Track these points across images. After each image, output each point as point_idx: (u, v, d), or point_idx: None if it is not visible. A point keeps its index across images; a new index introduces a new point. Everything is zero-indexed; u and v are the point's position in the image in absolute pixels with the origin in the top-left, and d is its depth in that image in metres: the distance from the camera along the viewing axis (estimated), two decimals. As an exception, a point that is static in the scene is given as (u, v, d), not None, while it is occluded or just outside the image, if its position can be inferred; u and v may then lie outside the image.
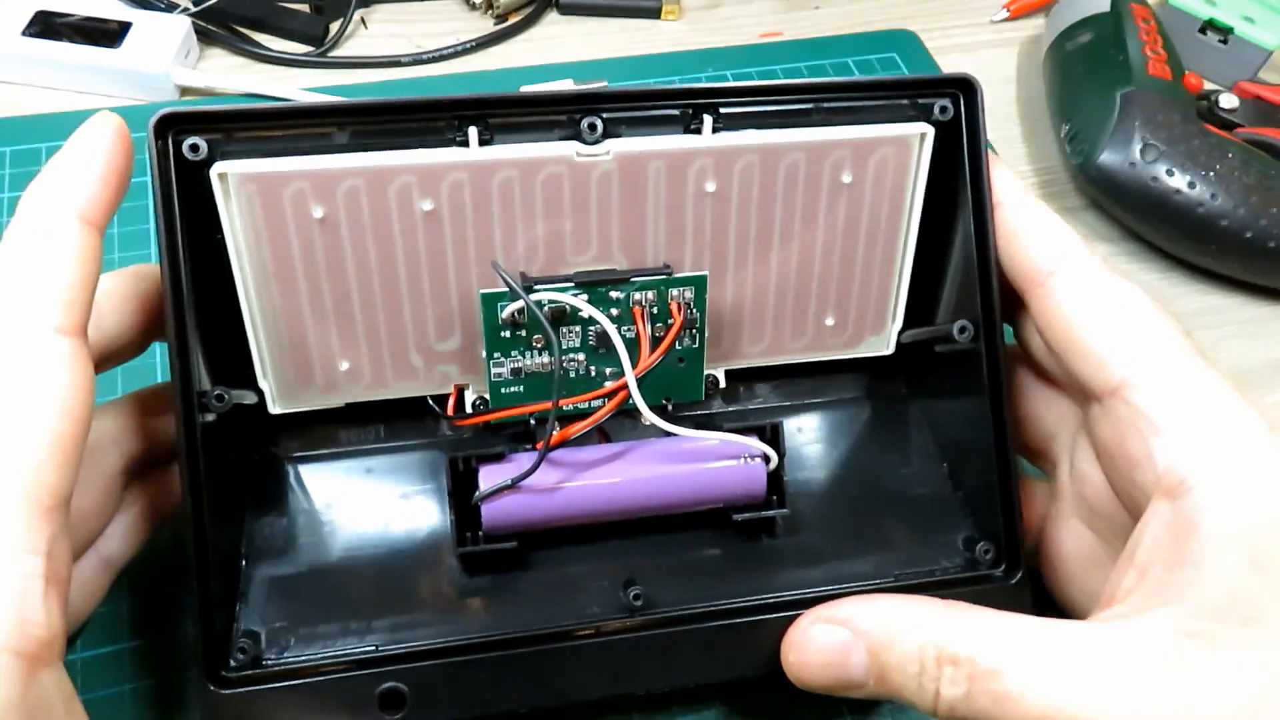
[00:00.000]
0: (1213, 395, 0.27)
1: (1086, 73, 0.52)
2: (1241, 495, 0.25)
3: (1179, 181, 0.47)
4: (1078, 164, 0.50)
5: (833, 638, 0.28)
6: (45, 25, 0.51)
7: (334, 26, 0.55)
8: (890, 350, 0.36)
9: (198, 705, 0.29)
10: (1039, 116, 0.57)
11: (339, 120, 0.30)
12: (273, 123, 0.29)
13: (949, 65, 0.58)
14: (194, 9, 0.53)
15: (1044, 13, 0.61)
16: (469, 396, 0.34)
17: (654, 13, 0.59)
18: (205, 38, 0.54)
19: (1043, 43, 0.57)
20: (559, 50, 0.57)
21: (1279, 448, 0.26)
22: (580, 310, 0.31)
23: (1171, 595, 0.25)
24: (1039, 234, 0.32)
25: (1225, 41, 0.57)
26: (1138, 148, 0.48)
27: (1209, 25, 0.57)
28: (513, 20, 0.58)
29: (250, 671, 0.29)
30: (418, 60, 0.55)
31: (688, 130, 0.31)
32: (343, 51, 0.55)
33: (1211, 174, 0.47)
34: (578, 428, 0.32)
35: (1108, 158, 0.48)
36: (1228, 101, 0.51)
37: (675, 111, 0.31)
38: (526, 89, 0.48)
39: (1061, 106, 0.53)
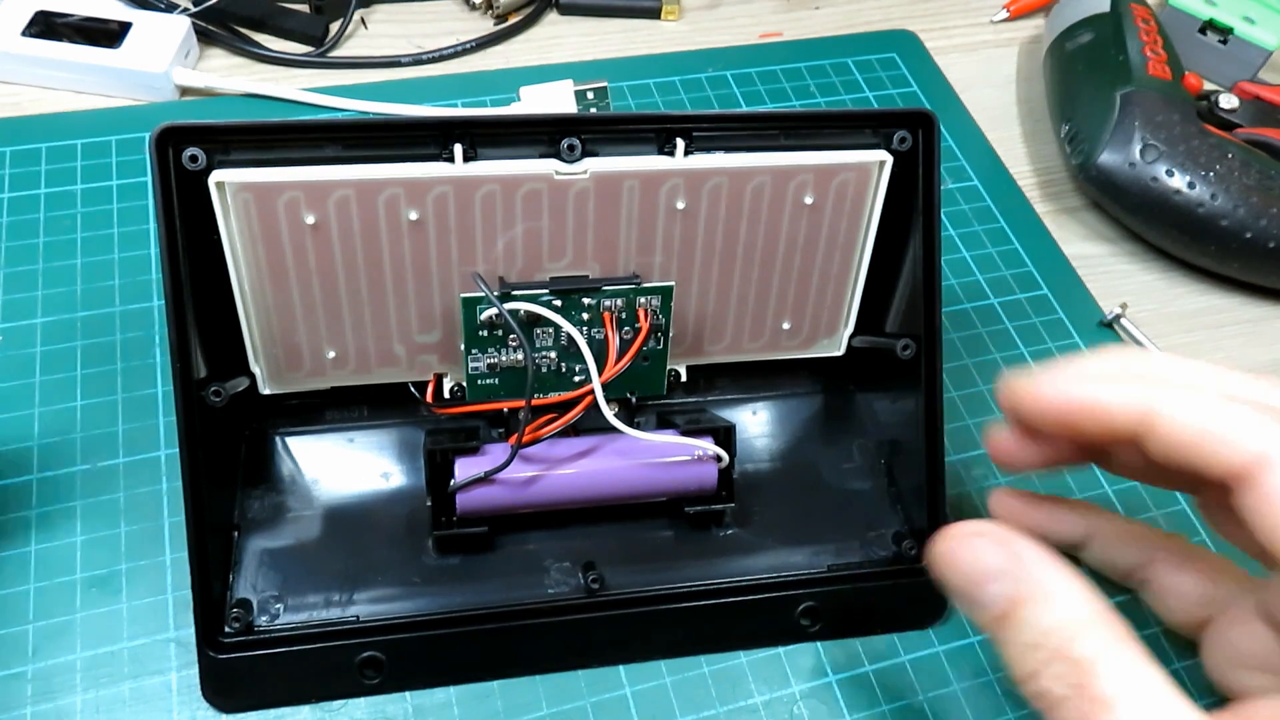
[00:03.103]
0: None
1: (1086, 73, 0.52)
2: None
3: (1179, 181, 0.47)
4: (1078, 164, 0.50)
5: (992, 558, 0.27)
6: (45, 25, 0.51)
7: (334, 26, 0.55)
8: (841, 352, 0.39)
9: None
10: (1039, 116, 0.57)
11: (331, 135, 0.31)
12: (268, 137, 0.31)
13: (949, 65, 0.58)
14: (194, 9, 0.53)
15: (1044, 13, 0.61)
16: (447, 384, 0.36)
17: (654, 13, 0.59)
18: (205, 38, 0.54)
19: (1043, 43, 0.57)
20: (559, 50, 0.57)
21: None
22: (552, 317, 0.34)
23: None
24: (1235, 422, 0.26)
25: (1225, 41, 0.57)
26: (1138, 148, 0.48)
27: (1209, 25, 0.57)
28: (513, 20, 0.58)
29: (243, 638, 0.33)
30: (418, 60, 0.55)
31: (661, 151, 0.33)
32: (343, 51, 0.55)
33: (1211, 174, 0.47)
34: (548, 429, 0.34)
35: (1108, 158, 0.48)
36: (1228, 101, 0.51)
37: (650, 133, 0.33)
38: (525, 90, 0.48)
39: (1061, 106, 0.53)
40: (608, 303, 0.34)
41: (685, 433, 0.36)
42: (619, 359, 0.34)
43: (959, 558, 0.28)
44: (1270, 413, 0.25)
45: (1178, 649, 0.36)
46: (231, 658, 0.32)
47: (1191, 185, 0.47)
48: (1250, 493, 0.25)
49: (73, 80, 0.51)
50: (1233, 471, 0.25)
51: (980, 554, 0.27)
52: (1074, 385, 0.28)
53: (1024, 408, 0.29)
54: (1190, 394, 0.26)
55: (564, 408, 0.34)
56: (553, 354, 0.35)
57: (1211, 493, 0.29)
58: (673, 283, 0.34)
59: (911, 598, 0.36)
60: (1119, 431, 0.27)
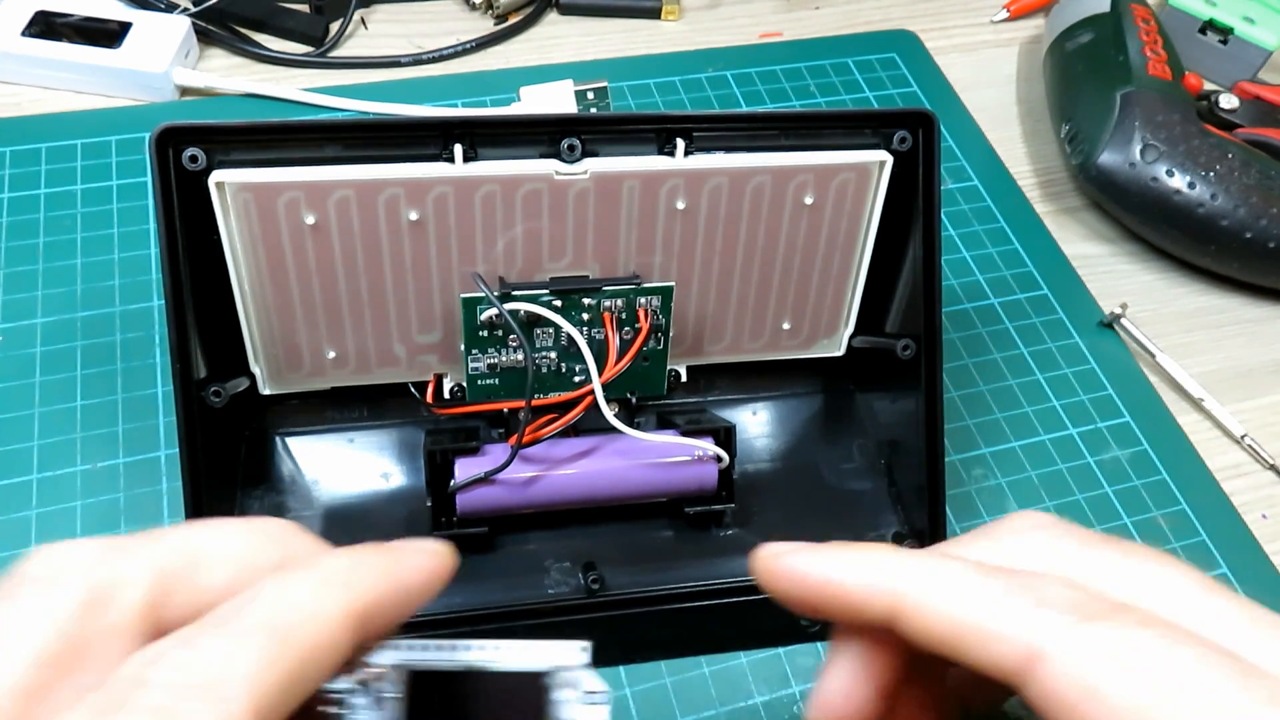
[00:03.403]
0: None
1: (1086, 73, 0.52)
2: None
3: (1179, 181, 0.47)
4: (1078, 164, 0.50)
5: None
6: (45, 25, 0.51)
7: (334, 26, 0.55)
8: (841, 352, 0.39)
9: None
10: (1039, 116, 0.57)
11: (331, 135, 0.31)
12: (268, 137, 0.31)
13: (949, 65, 0.58)
14: (194, 9, 0.53)
15: (1044, 13, 0.61)
16: (447, 384, 0.36)
17: (654, 13, 0.59)
18: (205, 38, 0.54)
19: (1043, 43, 0.57)
20: (559, 50, 0.57)
21: None
22: (552, 318, 0.33)
23: None
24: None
25: (1225, 41, 0.57)
26: (1138, 148, 0.48)
27: (1209, 25, 0.57)
28: (513, 20, 0.58)
29: None
30: (418, 60, 0.55)
31: (662, 151, 0.33)
32: (343, 52, 0.55)
33: (1211, 174, 0.47)
34: (548, 430, 0.34)
35: (1108, 158, 0.48)
36: (1228, 101, 0.51)
37: (650, 133, 0.33)
38: (525, 90, 0.48)
39: (1061, 106, 0.53)
40: (608, 303, 0.34)
41: (685, 433, 0.36)
42: (619, 359, 0.34)
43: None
44: (1032, 592, 0.20)
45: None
46: None
47: (1191, 185, 0.47)
48: (1030, 690, 0.19)
49: (73, 80, 0.51)
50: (1005, 669, 0.20)
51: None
52: (818, 563, 0.23)
53: (776, 584, 0.23)
54: (947, 573, 0.21)
55: (564, 408, 0.34)
56: (553, 354, 0.35)
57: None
58: (673, 283, 0.34)
59: None
60: (865, 619, 0.22)
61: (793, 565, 0.23)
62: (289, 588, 0.19)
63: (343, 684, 0.21)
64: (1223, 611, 0.20)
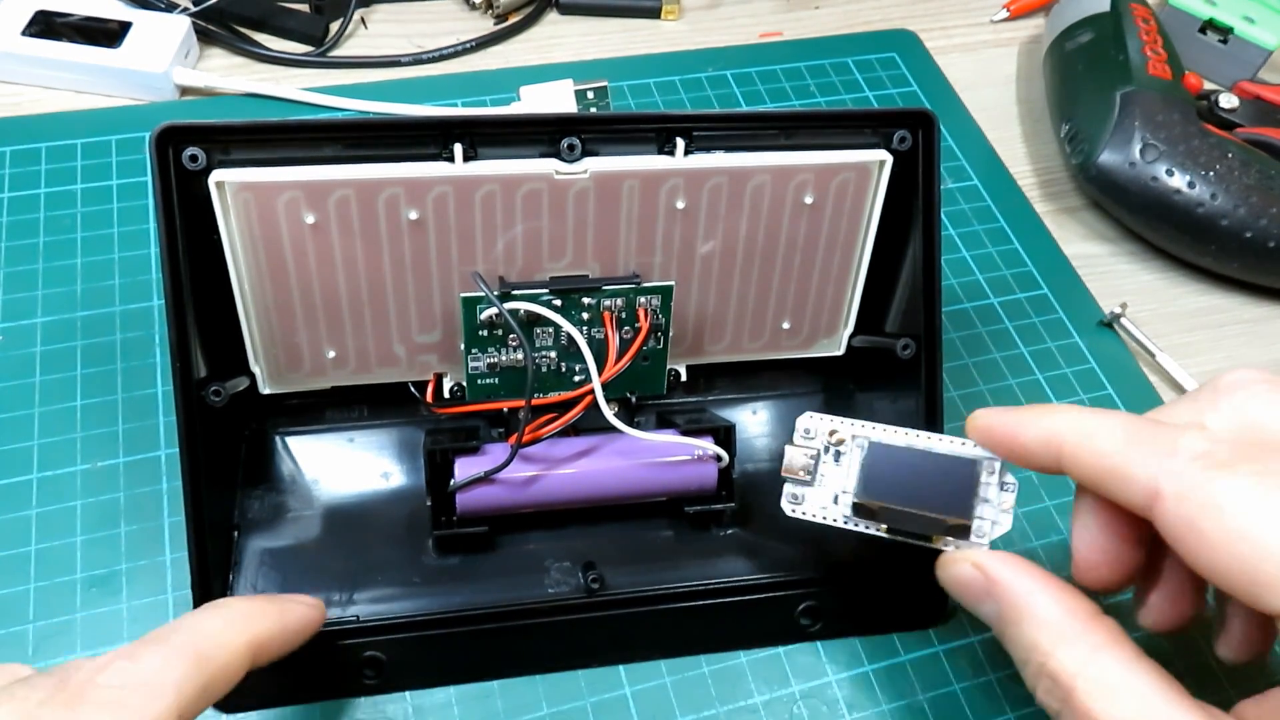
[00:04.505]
0: None
1: (1086, 73, 0.52)
2: None
3: (1179, 181, 0.47)
4: (1078, 164, 0.50)
5: (974, 581, 0.29)
6: (45, 25, 0.51)
7: (334, 26, 0.55)
8: (841, 351, 0.39)
9: None
10: (1039, 116, 0.57)
11: (331, 135, 0.31)
12: (268, 137, 0.31)
13: (949, 65, 0.58)
14: (194, 9, 0.53)
15: (1044, 13, 0.61)
16: (447, 383, 0.36)
17: (654, 13, 0.59)
18: (205, 38, 0.54)
19: (1043, 43, 0.57)
20: (559, 50, 0.57)
21: None
22: (552, 317, 0.34)
23: None
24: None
25: (1225, 41, 0.57)
26: (1138, 148, 0.48)
27: (1209, 25, 0.57)
28: (513, 20, 0.58)
29: None
30: (418, 60, 0.55)
31: (661, 150, 0.33)
32: (343, 51, 0.55)
33: (1211, 174, 0.47)
34: (548, 429, 0.34)
35: (1108, 158, 0.48)
36: (1228, 101, 0.51)
37: (650, 133, 0.33)
38: (525, 89, 0.48)
39: (1061, 106, 0.53)
40: (608, 302, 0.34)
41: (685, 432, 0.36)
42: (619, 359, 0.34)
43: (953, 585, 0.30)
44: (1164, 442, 0.25)
45: (1178, 645, 0.36)
46: None
47: (1191, 185, 0.47)
48: (1155, 524, 0.25)
49: (73, 80, 0.51)
50: (1136, 505, 0.26)
51: (964, 579, 0.29)
52: (1002, 419, 0.29)
53: (977, 436, 0.30)
54: (1097, 425, 0.27)
55: (564, 407, 0.34)
56: (553, 354, 0.35)
57: None
58: (673, 282, 0.34)
59: (911, 598, 0.36)
60: (1042, 463, 0.28)
61: (986, 421, 0.30)
62: (205, 621, 0.27)
63: (816, 443, 0.32)
64: None
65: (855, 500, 0.31)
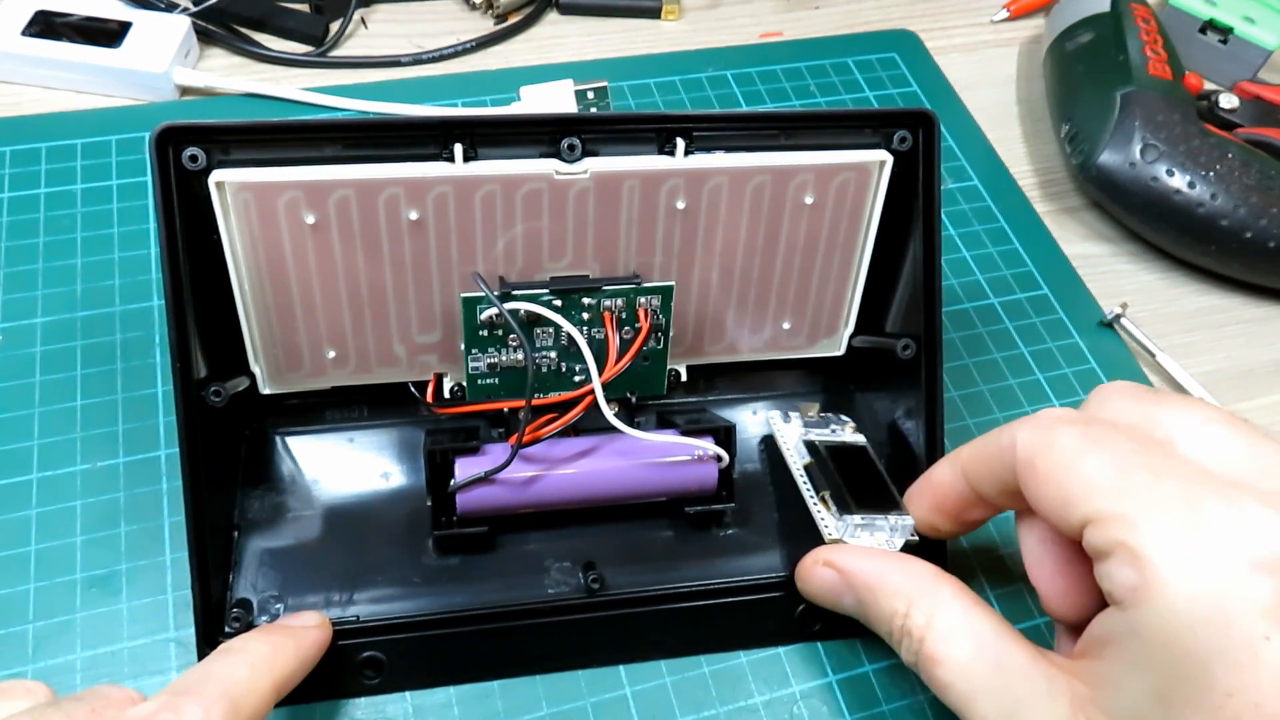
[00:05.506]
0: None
1: (1086, 73, 0.52)
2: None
3: (1179, 181, 0.47)
4: (1078, 164, 0.50)
5: (831, 580, 0.33)
6: (45, 25, 0.51)
7: (334, 26, 0.55)
8: (841, 352, 0.39)
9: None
10: (1039, 116, 0.57)
11: (331, 135, 0.31)
12: (268, 137, 0.31)
13: (949, 65, 0.58)
14: (194, 9, 0.53)
15: (1044, 13, 0.61)
16: (447, 383, 0.36)
17: (654, 13, 0.59)
18: (205, 38, 0.54)
19: (1043, 43, 0.57)
20: (559, 50, 0.57)
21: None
22: (552, 317, 0.34)
23: (1104, 689, 0.27)
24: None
25: (1225, 41, 0.57)
26: (1138, 148, 0.48)
27: (1209, 25, 0.57)
28: (513, 20, 0.58)
29: None
30: (418, 60, 0.55)
31: (662, 151, 0.33)
32: (343, 51, 0.55)
33: (1211, 174, 0.47)
34: (548, 429, 0.34)
35: (1108, 158, 0.48)
36: (1228, 101, 0.51)
37: (650, 133, 0.33)
38: (525, 89, 0.48)
39: (1061, 106, 0.53)
40: (608, 302, 0.34)
41: (685, 433, 0.36)
42: (619, 359, 0.34)
43: (816, 593, 0.33)
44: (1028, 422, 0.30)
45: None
46: None
47: (1191, 185, 0.47)
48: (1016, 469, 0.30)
49: (73, 80, 0.51)
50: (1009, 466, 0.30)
51: (824, 582, 0.33)
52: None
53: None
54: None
55: (564, 408, 0.34)
56: (553, 354, 0.35)
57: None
58: (673, 283, 0.34)
59: None
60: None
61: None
62: (233, 670, 0.28)
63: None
64: (1220, 440, 0.27)
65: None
